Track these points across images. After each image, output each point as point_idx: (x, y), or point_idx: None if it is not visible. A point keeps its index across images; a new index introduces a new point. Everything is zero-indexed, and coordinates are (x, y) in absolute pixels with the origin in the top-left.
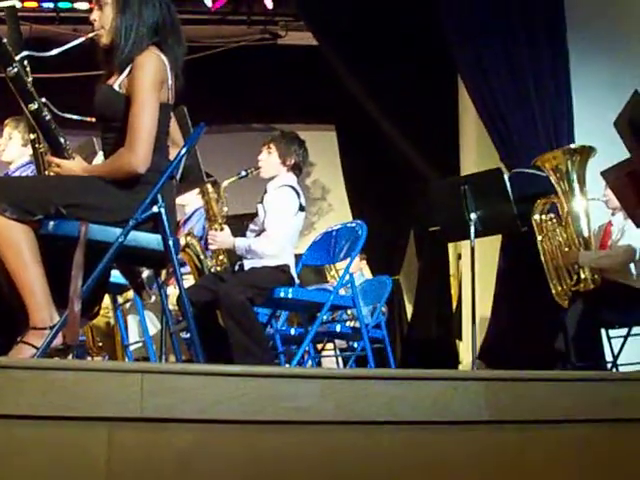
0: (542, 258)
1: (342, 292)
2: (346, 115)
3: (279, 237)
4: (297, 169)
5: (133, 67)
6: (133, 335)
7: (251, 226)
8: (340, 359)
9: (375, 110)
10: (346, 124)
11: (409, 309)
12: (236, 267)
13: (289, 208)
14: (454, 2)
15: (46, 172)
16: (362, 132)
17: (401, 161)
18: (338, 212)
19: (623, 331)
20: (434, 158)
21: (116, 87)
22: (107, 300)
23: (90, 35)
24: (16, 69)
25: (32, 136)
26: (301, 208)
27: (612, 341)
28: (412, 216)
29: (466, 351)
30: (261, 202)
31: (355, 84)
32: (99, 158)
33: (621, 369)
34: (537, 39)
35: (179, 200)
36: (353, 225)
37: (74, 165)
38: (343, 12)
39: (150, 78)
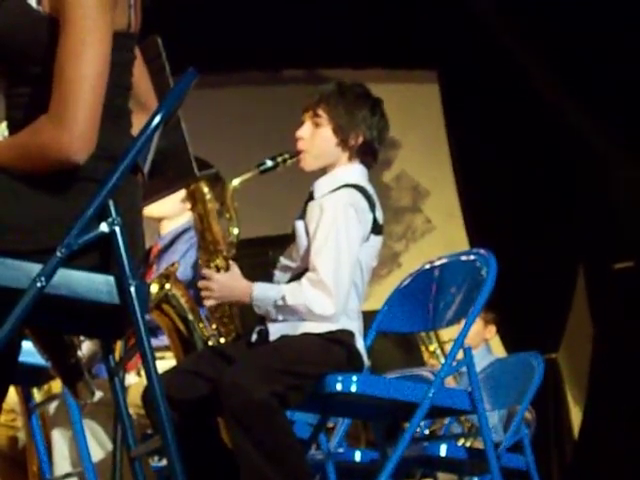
0: None
1: (450, 383)
2: (460, 49)
3: (344, 284)
4: (369, 154)
5: None
6: (61, 462)
7: (283, 260)
8: None
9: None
10: (460, 66)
11: (576, 414)
12: (253, 336)
13: (356, 231)
14: None
15: None
16: (488, 80)
17: (563, 132)
18: (442, 231)
19: None
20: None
21: (32, 1)
22: (13, 397)
23: None
24: None
25: None
26: (376, 229)
27: None
28: (582, 240)
29: None
30: (303, 217)
31: None
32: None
33: None
34: None
35: (151, 213)
36: (471, 258)
37: None
38: None
39: None
